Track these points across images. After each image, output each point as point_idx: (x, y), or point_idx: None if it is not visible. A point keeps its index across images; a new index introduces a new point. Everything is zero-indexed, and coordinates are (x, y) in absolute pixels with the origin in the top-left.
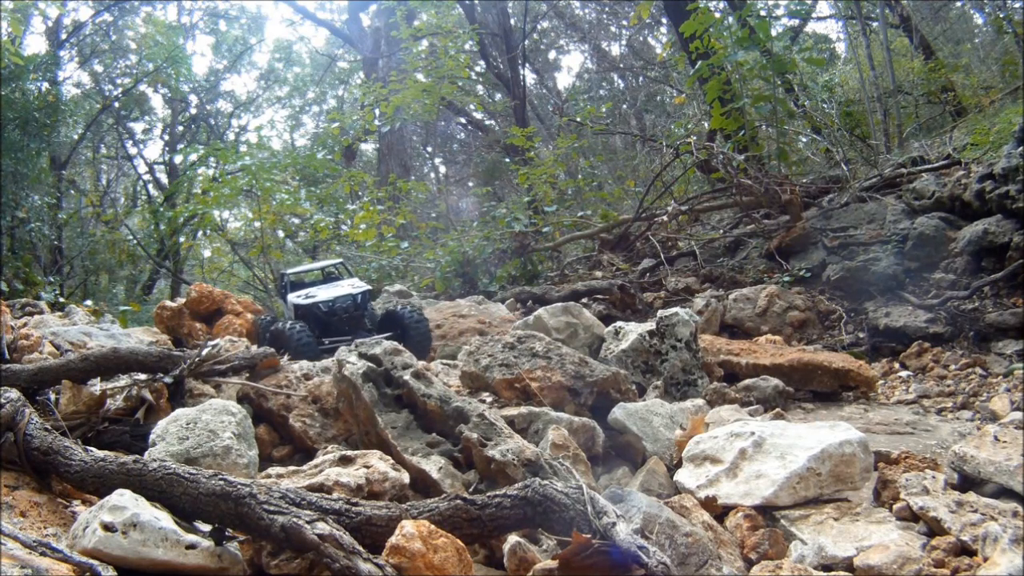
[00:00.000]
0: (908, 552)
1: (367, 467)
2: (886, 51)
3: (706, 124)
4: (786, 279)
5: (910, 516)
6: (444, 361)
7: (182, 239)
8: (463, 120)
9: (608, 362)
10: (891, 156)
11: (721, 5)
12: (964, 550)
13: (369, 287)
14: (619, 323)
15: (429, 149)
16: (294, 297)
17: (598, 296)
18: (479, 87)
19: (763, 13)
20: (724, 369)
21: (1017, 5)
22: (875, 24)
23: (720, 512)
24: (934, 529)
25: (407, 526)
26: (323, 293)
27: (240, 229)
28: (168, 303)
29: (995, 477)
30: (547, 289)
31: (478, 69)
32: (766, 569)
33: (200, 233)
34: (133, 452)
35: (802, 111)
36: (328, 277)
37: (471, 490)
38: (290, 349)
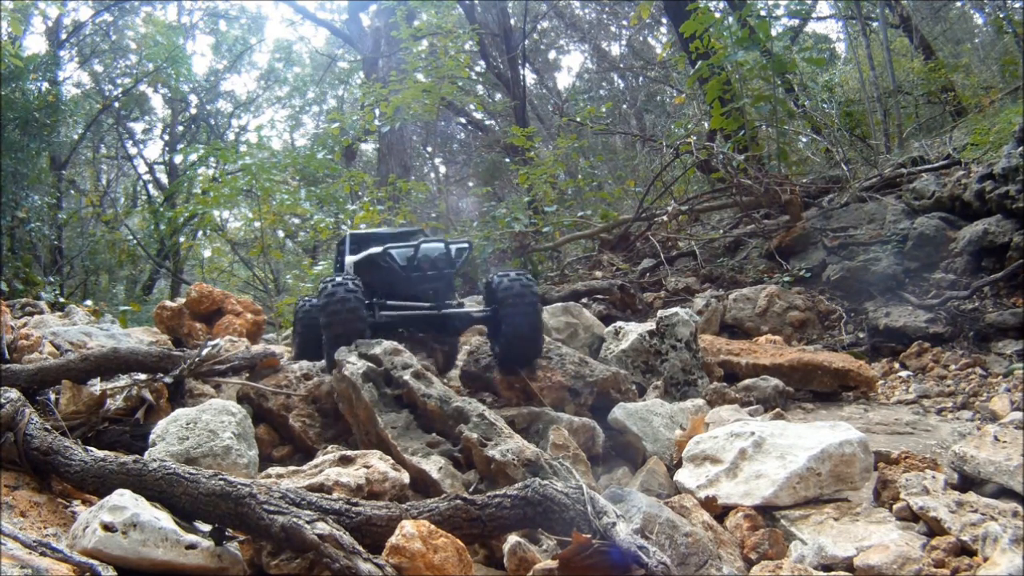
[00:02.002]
0: (908, 552)
1: (367, 467)
2: (886, 51)
3: (706, 124)
4: (786, 279)
5: (910, 516)
6: None
7: (182, 239)
8: (463, 120)
9: (608, 362)
10: (891, 156)
11: (721, 5)
12: (964, 550)
13: (469, 243)
14: (619, 323)
15: (429, 149)
16: (356, 257)
17: (598, 296)
18: (479, 87)
19: (763, 13)
20: (724, 369)
21: (1017, 5)
22: (875, 24)
23: (720, 512)
24: (934, 529)
25: (407, 526)
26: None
27: (240, 229)
28: (168, 303)
29: (995, 477)
30: (547, 289)
31: (478, 69)
32: (766, 569)
33: (200, 233)
34: (133, 452)
35: (802, 111)
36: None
37: (471, 490)
38: (326, 315)
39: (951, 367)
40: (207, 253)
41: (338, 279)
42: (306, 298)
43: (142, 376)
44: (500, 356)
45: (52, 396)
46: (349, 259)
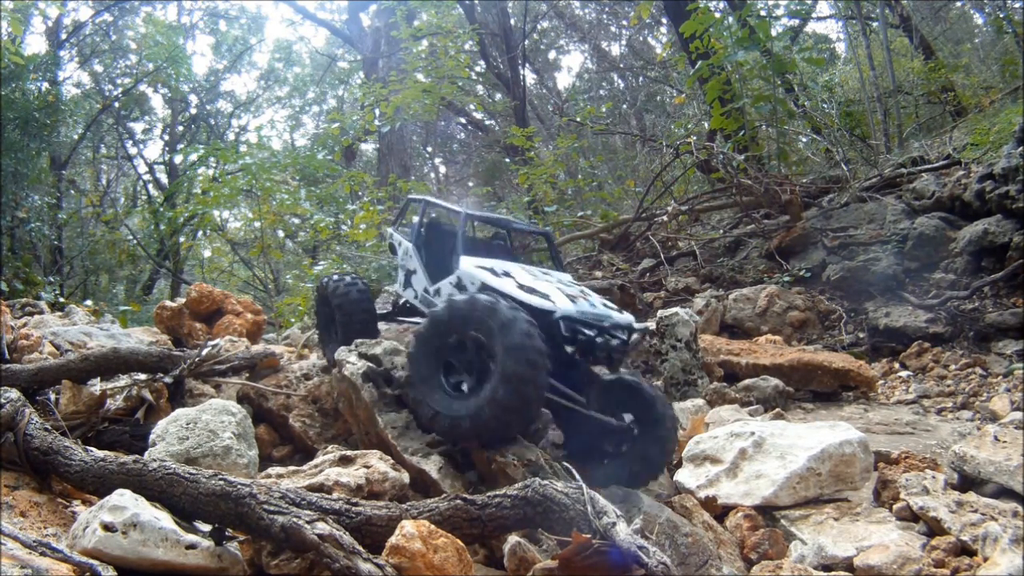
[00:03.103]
0: (908, 552)
1: (367, 467)
2: (886, 51)
3: (706, 124)
4: (786, 279)
5: (910, 516)
6: None
7: (182, 239)
8: (463, 120)
9: None
10: (891, 156)
11: (721, 5)
12: (964, 550)
13: (646, 330)
14: None
15: (429, 149)
16: (483, 270)
17: None
18: (479, 87)
19: (763, 13)
20: (724, 369)
21: (1017, 5)
22: (875, 24)
23: (720, 512)
24: (934, 529)
25: (407, 526)
26: (556, 292)
27: (240, 229)
28: (168, 303)
29: (995, 477)
30: None
31: (478, 69)
32: (766, 569)
33: (200, 233)
34: (133, 452)
35: (802, 111)
36: (497, 247)
37: (471, 490)
38: (510, 348)
39: (951, 367)
40: (207, 253)
41: (520, 318)
42: (344, 277)
43: (142, 376)
44: (625, 472)
45: (52, 396)
46: (474, 266)
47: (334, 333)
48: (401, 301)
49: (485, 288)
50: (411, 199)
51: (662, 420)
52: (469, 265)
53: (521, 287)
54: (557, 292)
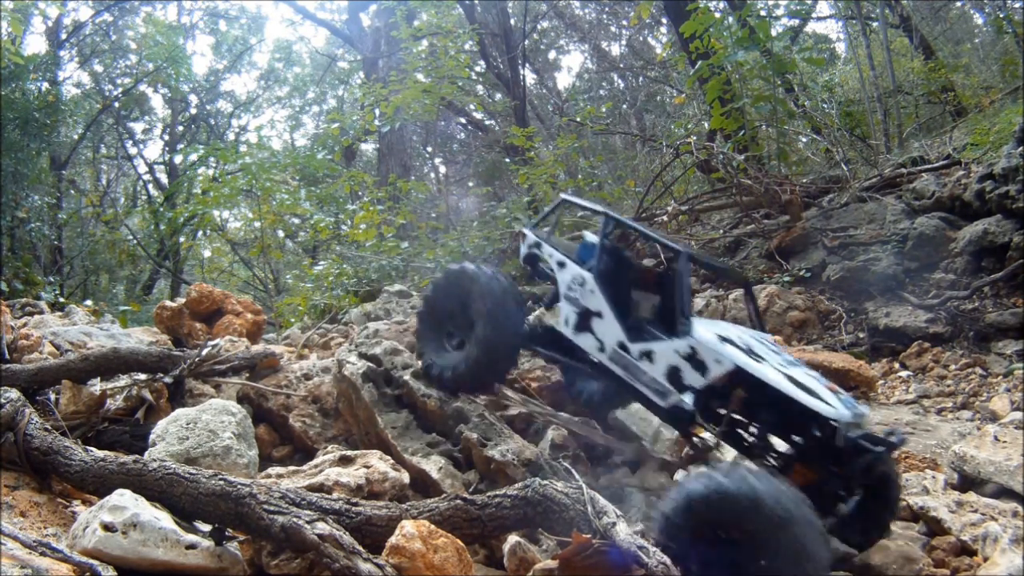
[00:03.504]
0: (908, 552)
1: (367, 467)
2: (886, 51)
3: (706, 124)
4: (786, 279)
5: (910, 516)
6: None
7: (182, 239)
8: (463, 120)
9: None
10: (891, 156)
11: (721, 5)
12: (964, 550)
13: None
14: None
15: (429, 149)
16: (729, 345)
17: None
18: (479, 87)
19: (763, 13)
20: None
21: (1017, 5)
22: (875, 24)
23: None
24: (934, 529)
25: (407, 526)
26: (820, 387)
27: (240, 229)
28: (168, 303)
29: (995, 477)
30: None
31: (478, 69)
32: None
33: (200, 233)
34: (133, 452)
35: (802, 111)
36: (660, 278)
37: (471, 490)
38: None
39: (951, 367)
40: (207, 253)
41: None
42: (498, 276)
43: (142, 376)
44: (844, 537)
45: (52, 396)
46: (717, 336)
47: (445, 337)
48: (545, 319)
49: (740, 374)
50: (565, 199)
51: (890, 483)
52: (709, 335)
53: (794, 382)
54: (820, 386)
